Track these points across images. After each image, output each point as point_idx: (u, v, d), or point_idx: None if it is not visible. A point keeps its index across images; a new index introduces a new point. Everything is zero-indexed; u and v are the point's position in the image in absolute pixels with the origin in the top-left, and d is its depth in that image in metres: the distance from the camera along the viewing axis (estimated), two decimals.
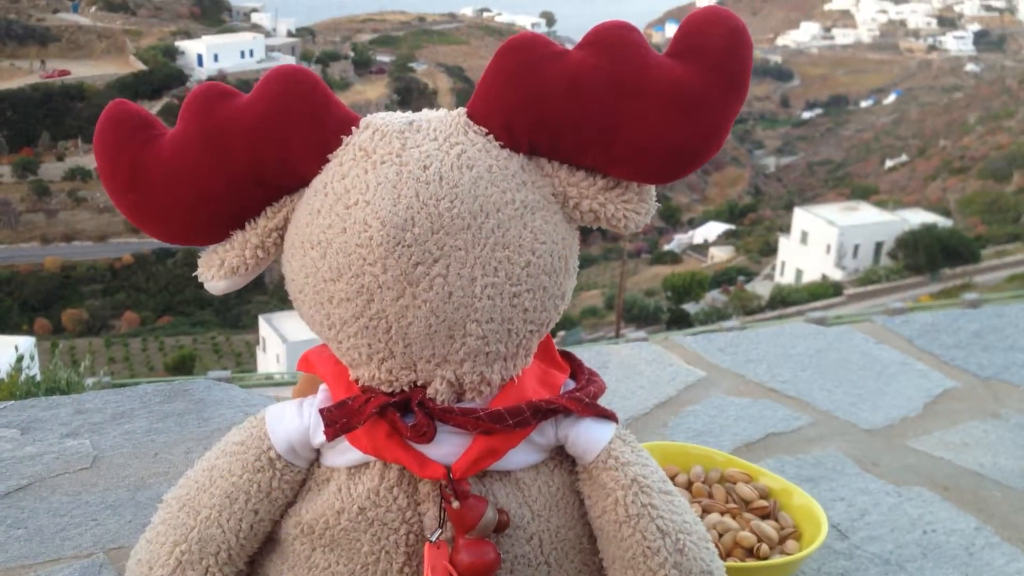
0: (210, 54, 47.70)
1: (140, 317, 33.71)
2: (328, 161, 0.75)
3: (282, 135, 0.74)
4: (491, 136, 0.75)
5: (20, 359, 5.23)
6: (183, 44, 49.80)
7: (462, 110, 0.77)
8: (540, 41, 0.74)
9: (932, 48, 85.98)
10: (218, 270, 0.79)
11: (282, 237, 0.78)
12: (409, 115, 0.77)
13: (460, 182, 0.72)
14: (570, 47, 0.76)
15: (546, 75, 0.72)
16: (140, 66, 46.90)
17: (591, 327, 26.11)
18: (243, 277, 0.79)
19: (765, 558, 1.05)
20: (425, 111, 0.78)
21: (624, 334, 20.03)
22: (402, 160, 0.72)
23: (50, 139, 41.60)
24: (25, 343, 10.85)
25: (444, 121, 0.75)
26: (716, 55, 0.73)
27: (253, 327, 26.92)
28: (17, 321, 30.88)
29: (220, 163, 0.75)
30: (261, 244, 0.78)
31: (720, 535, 1.08)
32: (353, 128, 0.76)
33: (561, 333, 21.18)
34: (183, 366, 23.71)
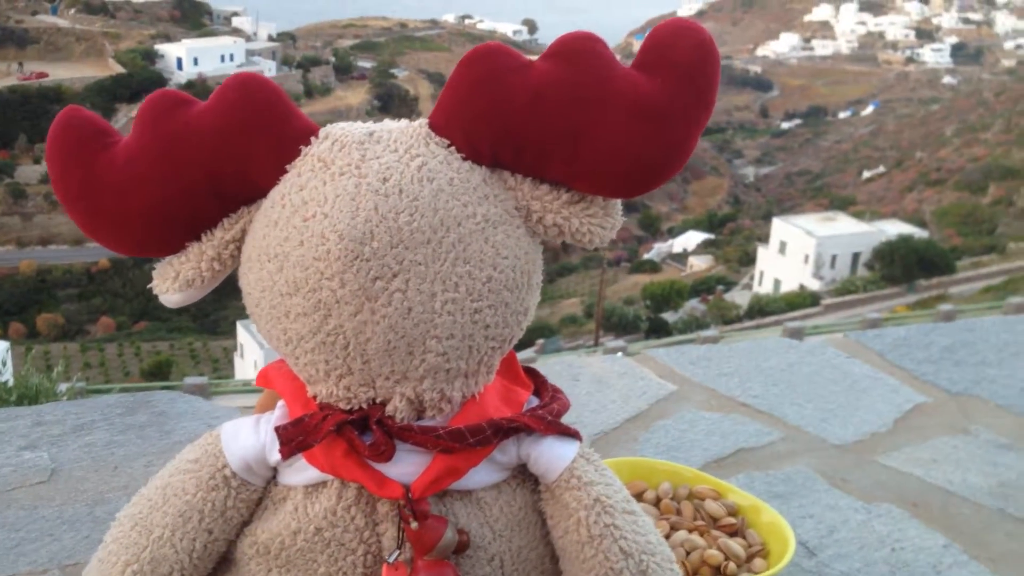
0: (190, 58, 47.50)
1: (116, 322, 33.45)
2: (286, 172, 0.74)
3: (239, 145, 0.73)
4: (453, 148, 0.73)
5: None
6: (163, 47, 49.53)
7: (423, 121, 0.75)
8: (503, 52, 0.72)
9: (910, 60, 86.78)
10: (173, 282, 0.77)
11: (239, 249, 0.76)
12: (370, 126, 0.76)
13: (420, 195, 0.70)
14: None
15: (509, 86, 0.71)
16: (119, 69, 46.63)
17: (570, 335, 26.12)
18: (199, 290, 0.77)
19: None
20: (386, 121, 0.77)
21: (603, 342, 20.04)
22: (361, 172, 0.71)
23: (27, 141, 41.25)
24: None
25: (405, 132, 0.74)
26: (683, 68, 0.72)
27: (231, 333, 26.77)
28: None
29: (175, 173, 0.73)
30: (217, 256, 0.76)
31: (687, 552, 1.06)
32: (312, 138, 0.74)
33: (540, 341, 21.18)
34: (159, 372, 23.56)
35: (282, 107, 0.74)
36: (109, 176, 0.74)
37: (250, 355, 22.84)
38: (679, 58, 0.72)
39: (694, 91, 0.72)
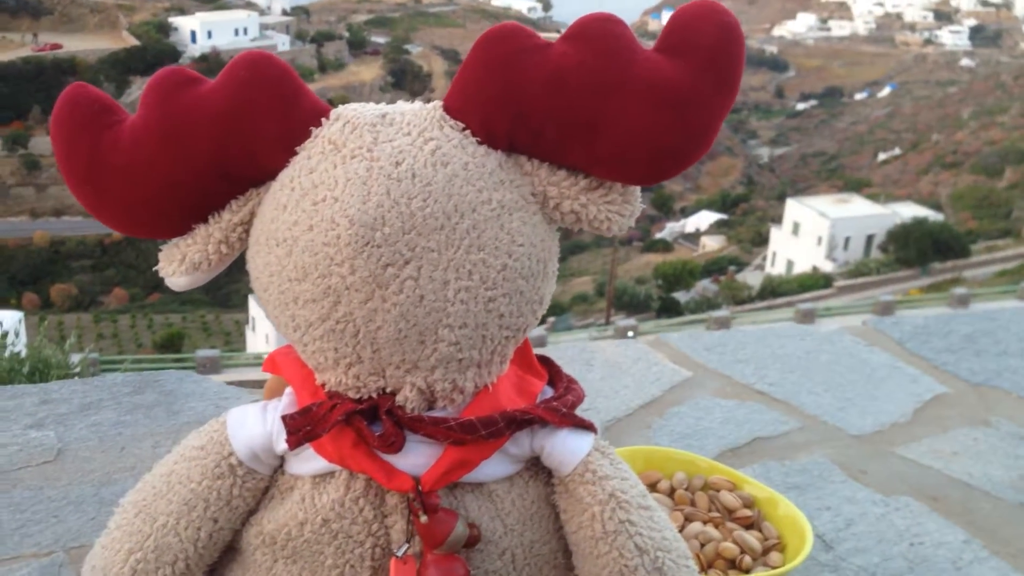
0: (203, 31, 47.41)
1: (129, 294, 33.59)
2: (296, 154, 0.72)
3: (248, 125, 0.71)
4: (468, 131, 0.71)
5: (4, 335, 5.16)
6: (176, 20, 49.43)
7: (438, 103, 0.73)
8: (521, 32, 0.70)
9: (928, 42, 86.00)
10: (179, 265, 0.75)
11: (247, 232, 0.74)
12: (383, 107, 0.73)
13: (434, 180, 0.68)
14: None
15: (527, 68, 0.68)
16: (133, 41, 46.59)
17: (581, 314, 26.12)
18: (205, 273, 0.76)
19: (748, 570, 1.02)
20: (400, 103, 0.74)
21: (614, 321, 20.02)
22: (373, 155, 0.68)
23: (41, 113, 41.28)
24: (10, 318, 10.76)
25: (419, 115, 0.71)
26: (707, 52, 0.69)
27: (243, 306, 26.85)
28: (5, 295, 30.72)
29: (182, 154, 0.71)
30: (225, 239, 0.74)
31: (702, 545, 1.04)
32: (323, 119, 0.72)
33: (552, 319, 21.19)
34: (172, 344, 23.66)
35: (292, 86, 0.72)
36: (115, 157, 0.72)
37: (261, 328, 22.92)
38: (703, 41, 0.69)
39: (718, 75, 0.69)
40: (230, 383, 1.53)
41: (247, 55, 0.72)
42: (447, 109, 0.72)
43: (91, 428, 1.30)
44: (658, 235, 40.93)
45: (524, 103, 0.69)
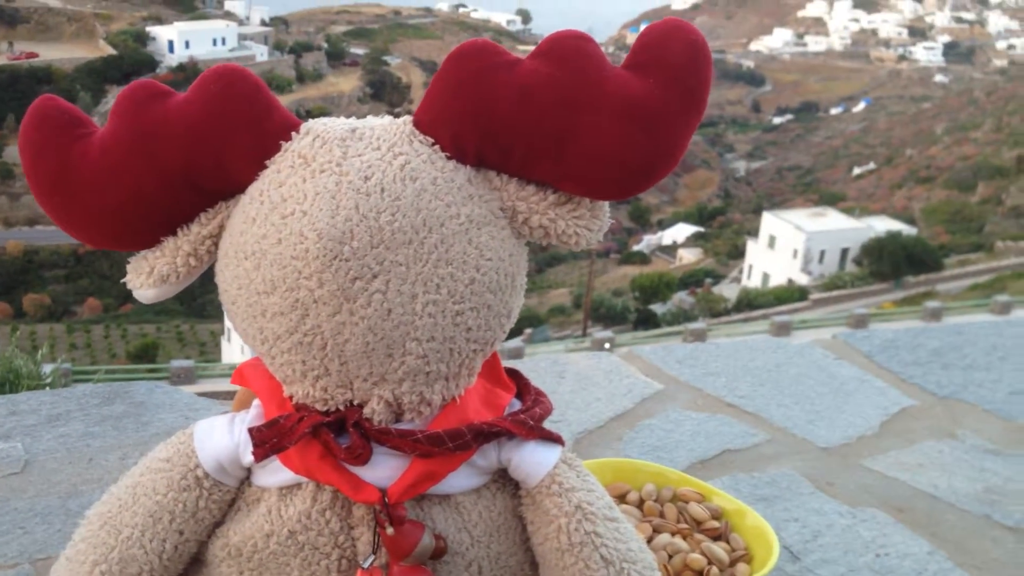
0: (181, 40, 47.21)
1: (103, 304, 33.30)
2: (266, 167, 0.72)
3: (218, 138, 0.71)
4: (437, 147, 0.71)
5: None
6: (154, 29, 49.20)
7: (407, 118, 0.73)
8: (491, 49, 0.71)
9: (902, 58, 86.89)
10: (147, 277, 0.75)
11: (216, 245, 0.75)
12: (352, 121, 0.74)
13: (403, 194, 0.68)
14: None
15: (496, 84, 0.69)
16: (110, 51, 46.31)
17: (558, 325, 26.13)
18: (173, 286, 0.76)
19: None
20: (369, 118, 0.75)
21: (591, 333, 20.04)
22: (342, 169, 0.69)
23: (16, 122, 40.88)
24: None
25: (388, 130, 0.72)
26: (675, 69, 0.70)
27: (218, 316, 26.67)
28: None
29: (151, 165, 0.71)
30: (194, 252, 0.74)
31: (670, 556, 1.05)
32: (293, 133, 0.72)
33: (528, 330, 21.18)
34: (146, 354, 23.46)
35: (263, 101, 0.72)
36: (83, 169, 0.72)
37: (237, 339, 22.73)
38: (671, 59, 0.70)
39: (686, 93, 0.71)
40: (204, 394, 1.53)
41: (218, 68, 0.73)
42: (417, 124, 0.72)
43: (59, 439, 1.30)
44: (635, 247, 41.02)
45: (493, 119, 0.69)
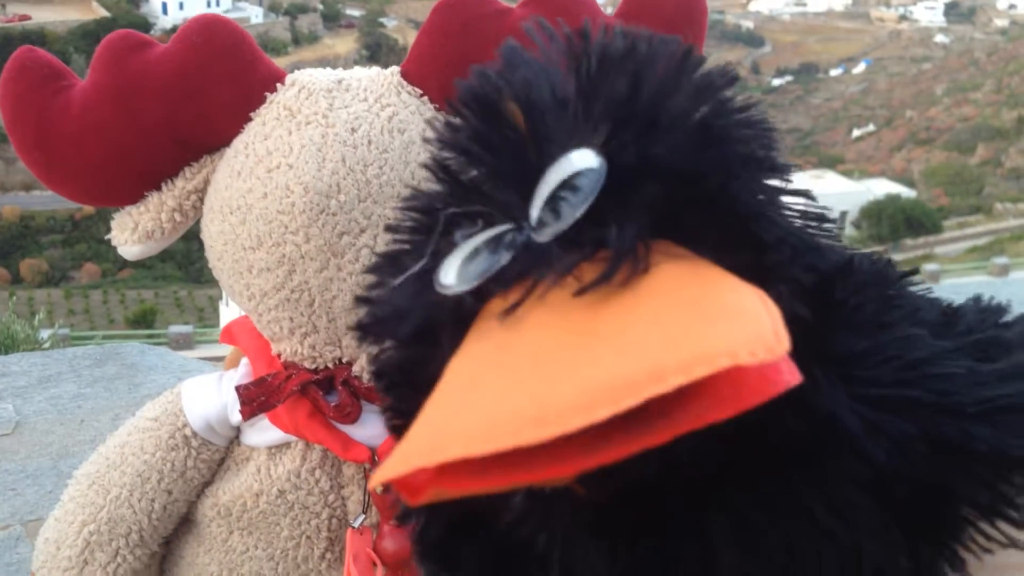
0: (175, 2, 46.81)
1: (101, 269, 33.27)
2: (251, 120, 0.70)
3: (201, 90, 0.69)
4: (425, 98, 0.70)
5: None
6: None
7: (395, 69, 0.72)
8: None
9: (903, 18, 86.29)
10: (132, 233, 0.74)
11: (201, 200, 0.73)
12: (339, 73, 0.72)
13: (390, 147, 0.67)
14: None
15: (484, 34, 0.67)
16: (103, 13, 45.94)
17: None
18: (158, 242, 0.75)
19: None
20: (357, 68, 0.73)
21: None
22: (328, 121, 0.67)
23: None
24: None
25: (375, 80, 0.70)
26: (668, 17, 0.69)
27: (216, 281, 26.62)
28: None
29: (133, 118, 0.70)
30: (178, 207, 0.73)
31: None
32: (279, 85, 0.71)
33: None
34: (144, 320, 23.46)
35: (247, 51, 0.71)
36: (65, 122, 0.70)
37: (235, 304, 22.78)
38: (665, 6, 0.69)
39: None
40: (204, 359, 1.52)
41: (201, 18, 0.71)
42: (405, 75, 0.71)
43: (50, 401, 1.29)
44: None
45: None
